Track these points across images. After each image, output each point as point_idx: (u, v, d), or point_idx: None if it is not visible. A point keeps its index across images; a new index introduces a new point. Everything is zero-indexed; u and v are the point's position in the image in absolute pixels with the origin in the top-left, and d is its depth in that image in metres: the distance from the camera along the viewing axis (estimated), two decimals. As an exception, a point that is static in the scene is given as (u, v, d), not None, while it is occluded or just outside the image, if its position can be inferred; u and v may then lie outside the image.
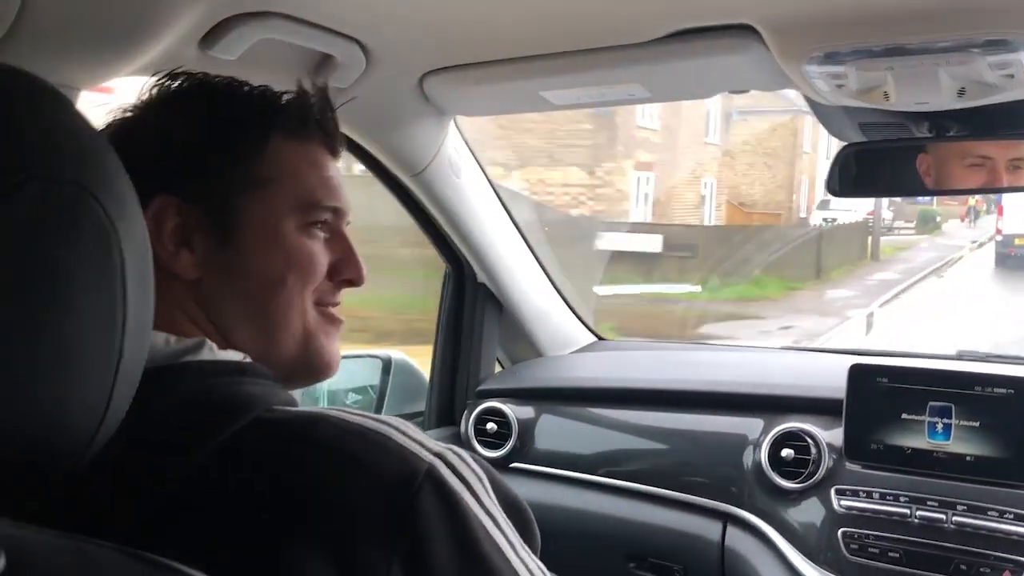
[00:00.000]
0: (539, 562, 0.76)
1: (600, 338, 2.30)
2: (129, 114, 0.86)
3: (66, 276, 0.54)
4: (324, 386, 2.06)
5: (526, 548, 0.75)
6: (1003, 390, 1.51)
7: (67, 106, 0.61)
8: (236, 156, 0.83)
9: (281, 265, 0.84)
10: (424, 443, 0.72)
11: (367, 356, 2.09)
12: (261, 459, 0.70)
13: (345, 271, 0.89)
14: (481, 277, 1.99)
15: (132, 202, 0.60)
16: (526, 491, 1.82)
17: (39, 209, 0.53)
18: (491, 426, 1.97)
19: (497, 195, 1.92)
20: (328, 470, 0.69)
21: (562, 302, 2.19)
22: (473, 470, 0.74)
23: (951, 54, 1.07)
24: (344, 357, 2.12)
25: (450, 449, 0.73)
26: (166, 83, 0.87)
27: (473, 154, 1.81)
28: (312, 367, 0.88)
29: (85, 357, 0.56)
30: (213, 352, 0.77)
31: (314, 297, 0.86)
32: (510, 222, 1.98)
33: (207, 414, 0.72)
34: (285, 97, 0.87)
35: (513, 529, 0.74)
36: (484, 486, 0.73)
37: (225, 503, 0.68)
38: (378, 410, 2.00)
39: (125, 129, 0.84)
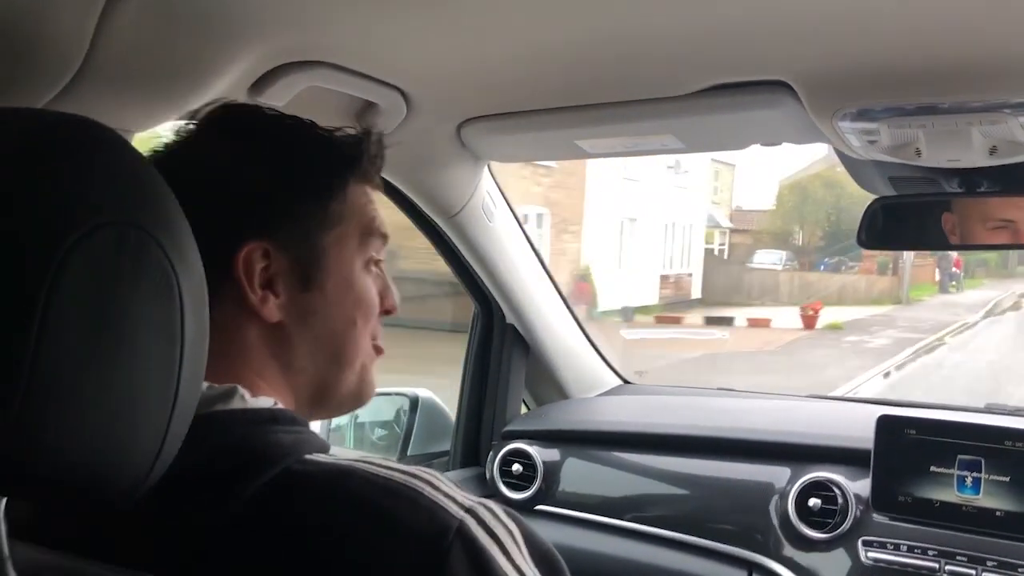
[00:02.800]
0: None
1: (626, 381, 2.31)
2: (183, 150, 0.87)
3: (134, 320, 0.57)
4: (350, 421, 2.08)
5: None
6: None
7: (130, 151, 0.64)
8: (322, 203, 0.85)
9: (352, 306, 0.87)
10: (455, 498, 0.71)
11: (395, 394, 2.11)
12: (290, 513, 0.70)
13: (385, 302, 0.92)
14: (510, 318, 2.01)
15: (190, 245, 0.63)
16: (551, 534, 1.83)
17: (110, 255, 0.56)
18: (516, 468, 1.97)
19: (527, 238, 1.95)
20: (356, 527, 0.68)
21: (588, 344, 2.21)
22: (504, 524, 0.72)
23: (983, 114, 1.09)
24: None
25: (481, 503, 0.72)
26: (225, 119, 0.88)
27: (505, 198, 1.84)
28: (361, 398, 0.91)
29: (147, 399, 0.58)
30: (244, 400, 0.77)
31: (371, 332, 0.90)
32: (539, 265, 2.00)
33: (238, 465, 0.72)
34: (353, 141, 0.89)
35: None
36: (515, 541, 0.72)
37: (253, 558, 0.68)
38: (404, 448, 2.02)
39: (189, 167, 0.82)
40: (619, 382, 2.30)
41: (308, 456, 0.74)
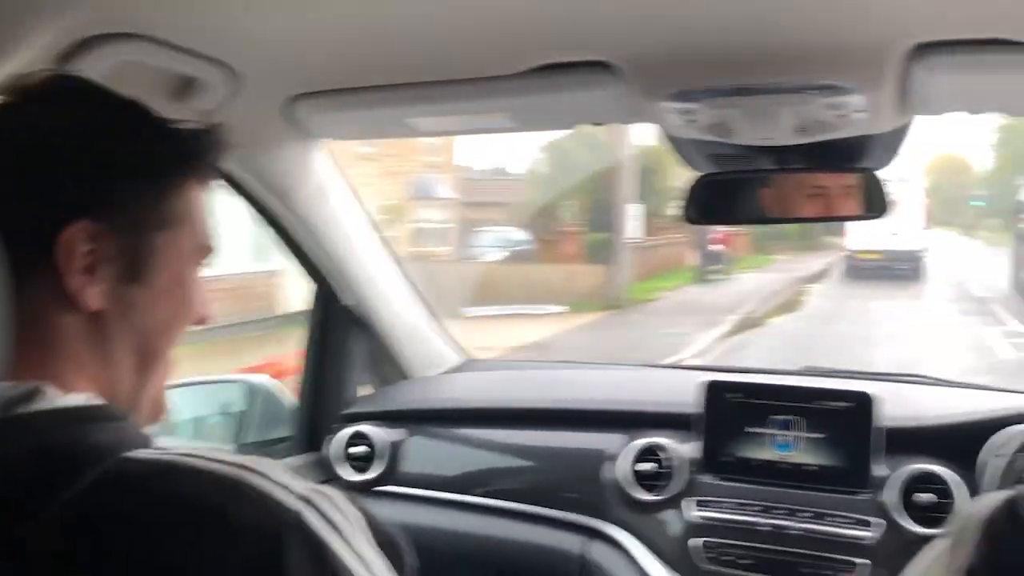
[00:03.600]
0: None
1: (468, 359, 2.33)
2: (7, 119, 0.77)
3: None
4: (187, 413, 2.00)
5: None
6: (843, 403, 1.63)
7: None
8: (160, 191, 0.79)
9: (176, 306, 0.81)
10: (291, 487, 0.68)
11: (230, 381, 2.04)
12: (112, 518, 0.65)
13: (200, 310, 0.86)
14: (348, 299, 1.99)
15: None
16: (396, 514, 1.85)
17: None
18: (358, 450, 1.96)
19: (366, 216, 1.93)
20: (185, 527, 0.64)
21: (430, 322, 2.21)
22: (344, 511, 0.70)
23: (791, 95, 1.16)
24: (207, 382, 2.08)
25: (319, 491, 0.69)
26: (61, 89, 0.80)
27: (342, 176, 1.81)
28: (159, 407, 0.85)
29: None
30: (50, 399, 0.71)
31: (179, 338, 0.85)
32: (379, 244, 1.98)
33: (48, 471, 0.66)
34: (198, 136, 0.83)
35: (387, 569, 0.72)
36: (355, 527, 0.70)
37: (74, 570, 0.63)
38: (242, 437, 1.96)
39: (14, 136, 0.75)
40: (462, 359, 2.31)
41: (128, 454, 0.69)
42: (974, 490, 1.53)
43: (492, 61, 1.22)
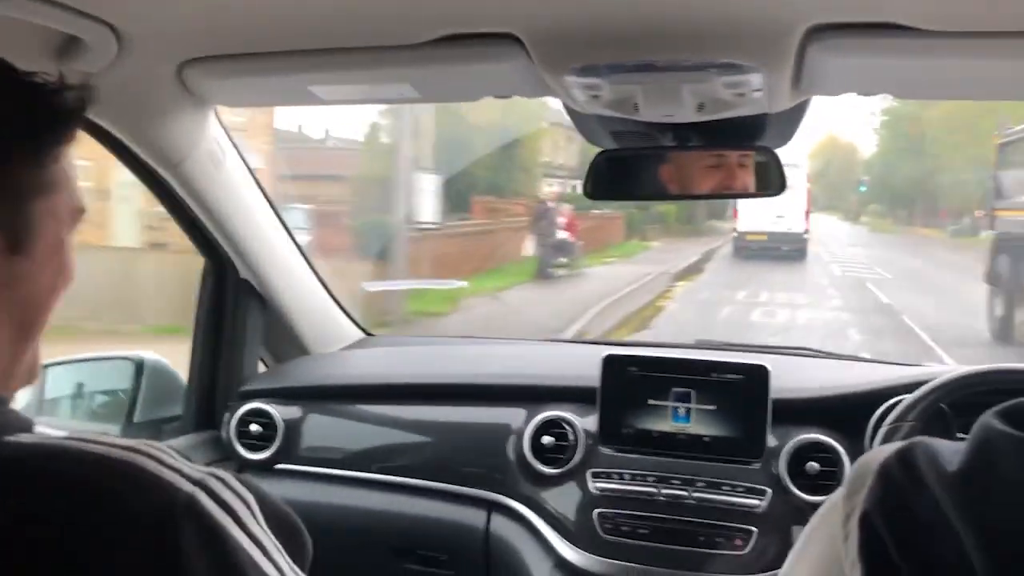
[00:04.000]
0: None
1: (369, 334, 2.30)
2: None
3: None
4: (69, 392, 1.91)
5: (296, 570, 0.72)
6: (735, 376, 1.68)
7: None
8: (38, 156, 0.74)
9: (57, 274, 0.77)
10: (183, 470, 0.66)
11: (117, 358, 1.96)
12: None
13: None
14: (243, 273, 1.93)
15: None
16: (294, 492, 1.81)
17: None
18: (255, 428, 1.91)
19: (261, 189, 1.87)
20: (71, 515, 0.62)
21: (329, 298, 2.17)
22: (238, 493, 0.69)
23: (692, 73, 1.17)
24: (91, 359, 1.99)
25: (212, 474, 0.68)
26: None
27: (236, 146, 1.75)
28: (34, 374, 0.81)
29: None
30: None
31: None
32: (275, 217, 1.93)
33: None
34: (73, 95, 0.79)
35: (283, 552, 0.71)
36: (251, 510, 0.69)
37: None
38: (130, 417, 1.88)
39: None
40: (362, 335, 2.28)
41: (8, 438, 0.66)
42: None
43: (394, 30, 1.19)
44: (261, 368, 2.10)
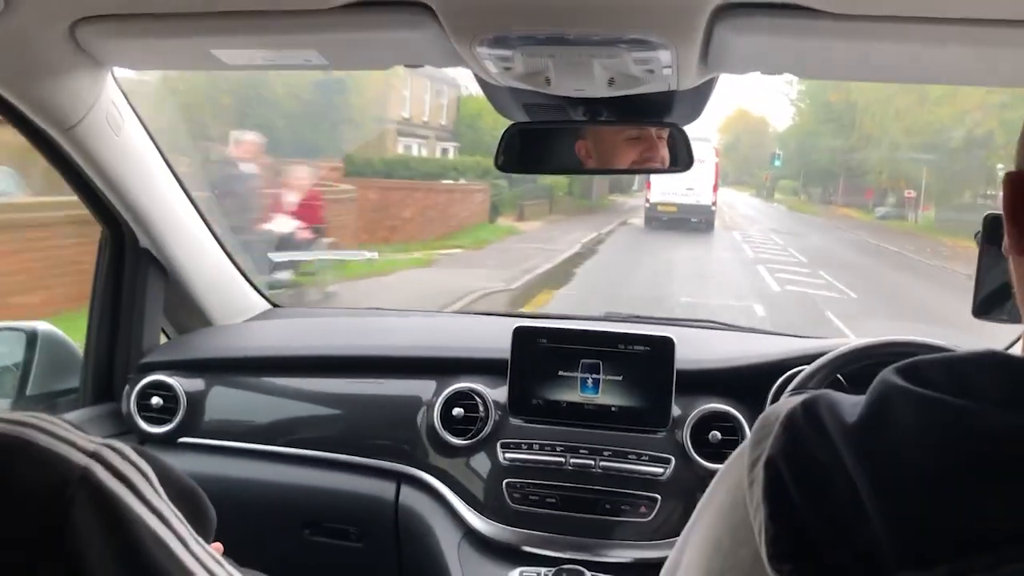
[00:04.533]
0: (213, 551, 0.73)
1: (275, 305, 2.26)
2: None
3: None
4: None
5: (199, 540, 0.71)
6: (642, 347, 1.71)
7: None
8: None
9: None
10: (76, 442, 0.65)
11: (7, 329, 1.87)
12: None
13: None
14: (144, 242, 1.86)
15: None
16: (197, 466, 1.78)
17: None
18: (156, 401, 1.86)
19: (163, 155, 1.80)
20: None
21: (234, 268, 2.12)
22: (136, 465, 0.67)
23: (603, 47, 1.18)
24: (-22, 331, 1.89)
25: (108, 445, 0.66)
26: None
27: (135, 110, 1.68)
28: None
29: None
30: None
31: None
32: (176, 184, 1.86)
33: None
34: None
35: (184, 522, 0.70)
36: (149, 481, 0.68)
37: None
38: (22, 390, 1.81)
39: None
40: (268, 306, 2.24)
41: None
42: None
43: None
44: (163, 340, 2.04)
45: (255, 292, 2.20)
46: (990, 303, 1.29)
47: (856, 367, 1.59)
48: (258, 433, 1.87)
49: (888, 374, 0.52)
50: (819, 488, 0.49)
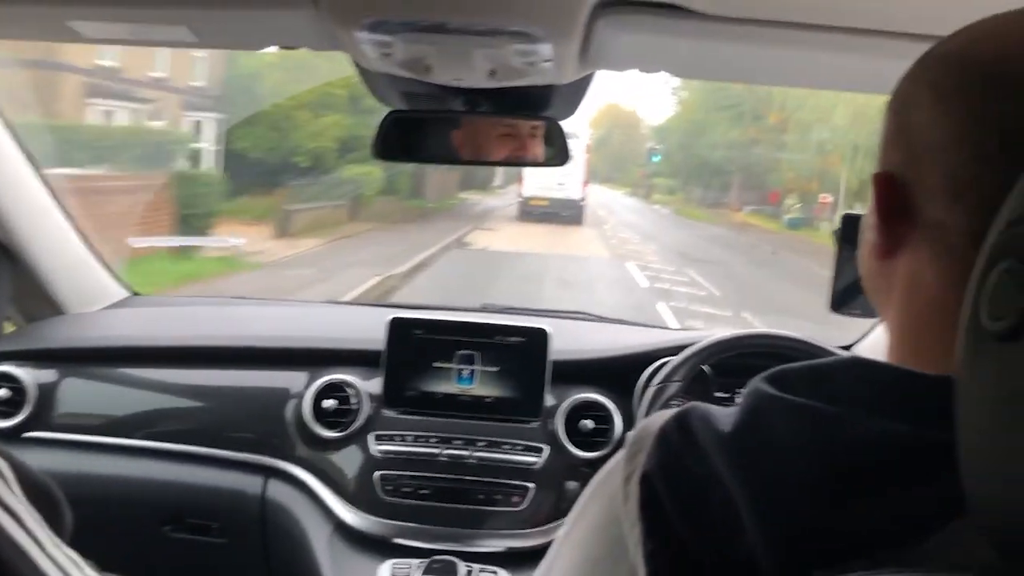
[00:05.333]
0: (69, 551, 0.69)
1: (135, 293, 2.15)
2: None
3: None
4: None
5: (55, 539, 0.68)
6: (517, 338, 1.73)
7: None
8: None
9: None
10: None
11: None
12: None
13: None
14: (-12, 224, 1.73)
15: None
16: (47, 462, 1.68)
17: None
18: (1, 392, 1.74)
19: (15, 136, 1.68)
20: None
21: (89, 253, 2.00)
22: None
23: (485, 38, 1.17)
24: None
25: None
26: None
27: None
28: None
29: None
30: None
31: None
32: (26, 165, 1.74)
33: None
34: None
35: (41, 522, 0.66)
36: (5, 479, 0.65)
37: None
38: None
39: None
40: (127, 294, 2.13)
41: None
42: (630, 416, 1.70)
43: None
44: (9, 329, 1.91)
45: (113, 279, 2.09)
46: (844, 298, 1.35)
47: (720, 358, 1.65)
48: (115, 427, 1.78)
49: (759, 383, 0.52)
50: (695, 501, 0.49)
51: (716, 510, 0.48)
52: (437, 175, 18.99)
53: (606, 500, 0.57)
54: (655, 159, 35.13)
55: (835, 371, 0.52)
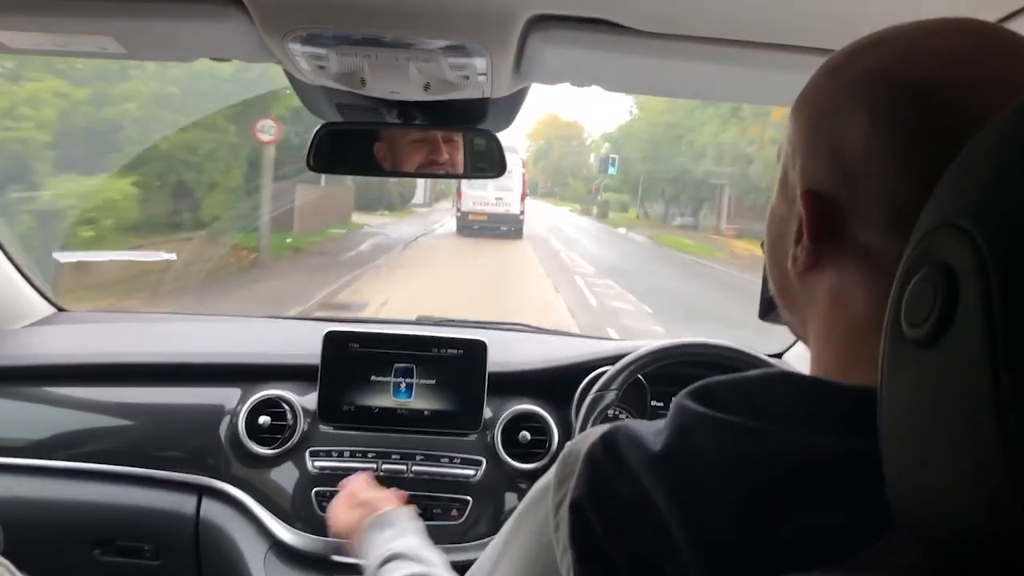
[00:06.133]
0: (6, 562, 0.67)
1: (61, 309, 2.09)
2: None
3: None
4: None
5: None
6: (455, 350, 1.72)
7: None
8: None
9: None
10: None
11: None
12: None
13: None
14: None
15: None
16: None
17: None
18: None
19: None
20: None
21: (12, 269, 1.94)
22: None
23: (419, 51, 1.17)
24: None
25: None
26: None
27: None
28: None
29: None
30: None
31: None
32: None
33: None
34: None
35: None
36: None
37: None
38: None
39: None
40: (52, 310, 2.07)
41: None
42: (568, 427, 1.71)
43: None
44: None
45: (37, 295, 2.03)
46: (771, 306, 1.39)
47: (656, 367, 1.67)
48: (38, 448, 1.72)
49: (683, 400, 0.52)
50: (625, 525, 0.49)
51: (647, 532, 0.48)
52: (316, 194, 14.28)
53: (537, 528, 0.57)
54: (611, 171, 29.07)
55: (759, 385, 0.52)
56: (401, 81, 1.25)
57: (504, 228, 19.38)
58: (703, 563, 0.46)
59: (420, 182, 20.26)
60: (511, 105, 1.48)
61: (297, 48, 1.16)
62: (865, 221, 0.53)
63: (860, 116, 0.53)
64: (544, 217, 24.10)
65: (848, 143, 0.53)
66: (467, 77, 1.25)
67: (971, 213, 0.37)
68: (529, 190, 21.64)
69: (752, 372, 0.53)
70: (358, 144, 1.55)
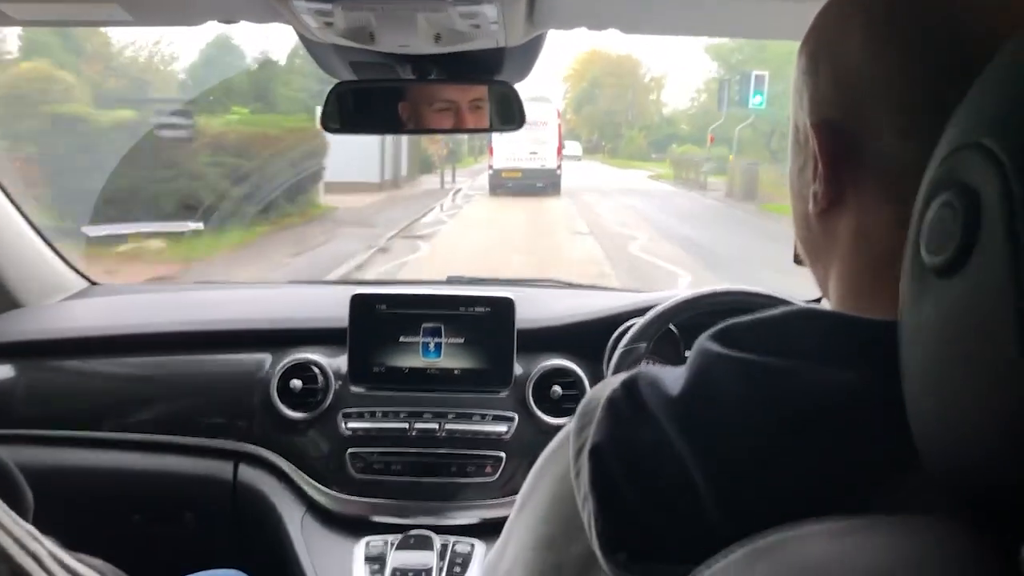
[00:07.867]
0: (29, 526, 0.68)
1: (93, 283, 2.11)
2: None
3: None
4: None
5: (12, 515, 0.67)
6: (483, 309, 1.71)
7: None
8: None
9: None
10: None
11: None
12: None
13: None
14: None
15: None
16: (11, 458, 1.64)
17: None
18: None
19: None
20: None
21: (44, 245, 1.96)
22: None
23: (426, 1, 1.14)
24: None
25: None
26: None
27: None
28: None
29: None
30: None
31: None
32: None
33: None
34: None
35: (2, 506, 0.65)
36: None
37: None
38: None
39: None
40: (85, 284, 2.09)
41: None
42: (600, 380, 1.69)
43: None
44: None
45: (70, 269, 2.05)
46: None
47: (687, 316, 1.64)
48: (80, 419, 1.75)
49: (705, 342, 0.51)
50: (646, 470, 0.48)
51: (668, 478, 0.47)
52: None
53: (558, 476, 0.56)
54: (758, 103, 17.77)
55: (779, 324, 0.50)
56: (410, 33, 1.22)
57: (540, 185, 18.62)
58: (722, 505, 0.45)
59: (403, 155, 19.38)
60: (528, 54, 1.44)
61: (302, 5, 1.14)
62: (878, 135, 0.51)
63: (858, 34, 0.52)
64: (590, 197, 18.21)
65: (848, 64, 0.52)
66: (478, 26, 1.22)
67: (994, 131, 0.35)
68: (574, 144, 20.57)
69: (773, 311, 0.51)
70: (377, 103, 1.53)
